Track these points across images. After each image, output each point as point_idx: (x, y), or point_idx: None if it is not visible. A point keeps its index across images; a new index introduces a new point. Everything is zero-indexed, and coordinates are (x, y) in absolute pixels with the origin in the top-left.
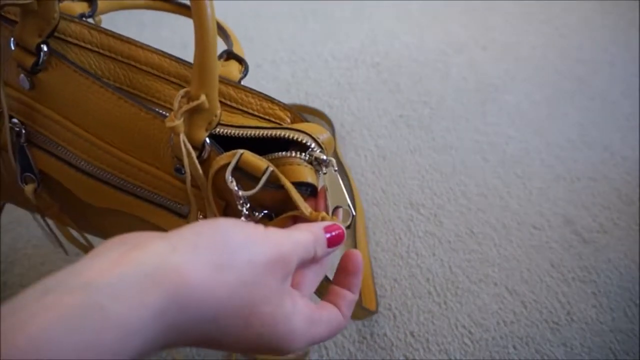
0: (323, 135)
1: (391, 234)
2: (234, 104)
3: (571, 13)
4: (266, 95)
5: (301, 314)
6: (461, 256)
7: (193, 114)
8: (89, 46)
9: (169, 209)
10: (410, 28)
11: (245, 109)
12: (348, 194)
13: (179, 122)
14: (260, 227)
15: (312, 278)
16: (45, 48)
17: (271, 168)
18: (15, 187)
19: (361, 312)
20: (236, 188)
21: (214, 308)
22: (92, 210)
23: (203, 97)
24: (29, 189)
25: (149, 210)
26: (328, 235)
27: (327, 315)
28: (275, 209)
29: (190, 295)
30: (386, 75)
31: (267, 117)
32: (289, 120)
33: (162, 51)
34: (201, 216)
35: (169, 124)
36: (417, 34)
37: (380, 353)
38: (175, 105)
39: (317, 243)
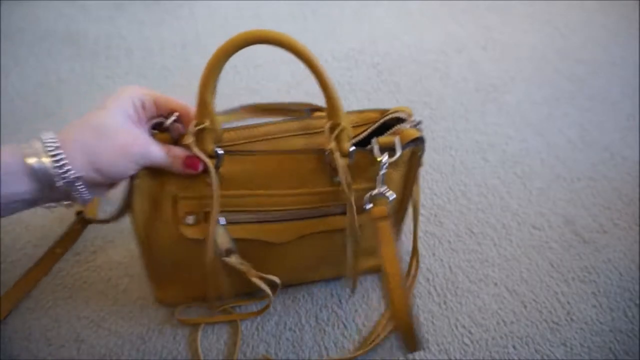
0: (406, 110)
1: None
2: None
3: (571, 13)
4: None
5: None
6: (461, 256)
7: (339, 135)
8: (239, 142)
9: (333, 214)
10: (410, 28)
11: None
12: None
13: (333, 144)
14: None
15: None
16: (220, 151)
17: (397, 137)
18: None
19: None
20: (382, 158)
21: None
22: (273, 253)
23: (343, 123)
24: (233, 259)
25: (322, 222)
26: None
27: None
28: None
29: None
30: (386, 75)
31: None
32: (379, 115)
33: (280, 119)
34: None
35: (328, 147)
36: (417, 34)
37: (380, 353)
38: (327, 134)
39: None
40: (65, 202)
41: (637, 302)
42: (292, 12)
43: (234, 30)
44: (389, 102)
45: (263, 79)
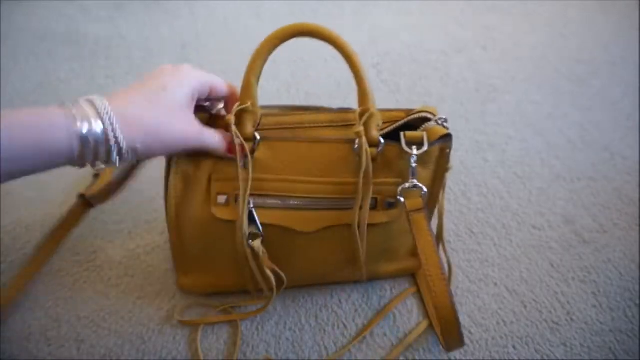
0: (431, 110)
1: None
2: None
3: (571, 13)
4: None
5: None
6: (461, 256)
7: (368, 121)
8: (271, 127)
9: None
10: (410, 28)
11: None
12: None
13: (361, 128)
14: None
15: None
16: (258, 135)
17: (425, 133)
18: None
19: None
20: (411, 151)
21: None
22: (296, 245)
23: (373, 110)
24: (257, 243)
25: (346, 215)
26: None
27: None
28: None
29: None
30: (386, 75)
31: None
32: (404, 114)
33: (314, 111)
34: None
35: (356, 130)
36: (417, 34)
37: (380, 353)
38: (357, 119)
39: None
40: (98, 166)
41: (637, 302)
42: (292, 12)
43: (234, 30)
44: (389, 102)
45: (263, 79)
